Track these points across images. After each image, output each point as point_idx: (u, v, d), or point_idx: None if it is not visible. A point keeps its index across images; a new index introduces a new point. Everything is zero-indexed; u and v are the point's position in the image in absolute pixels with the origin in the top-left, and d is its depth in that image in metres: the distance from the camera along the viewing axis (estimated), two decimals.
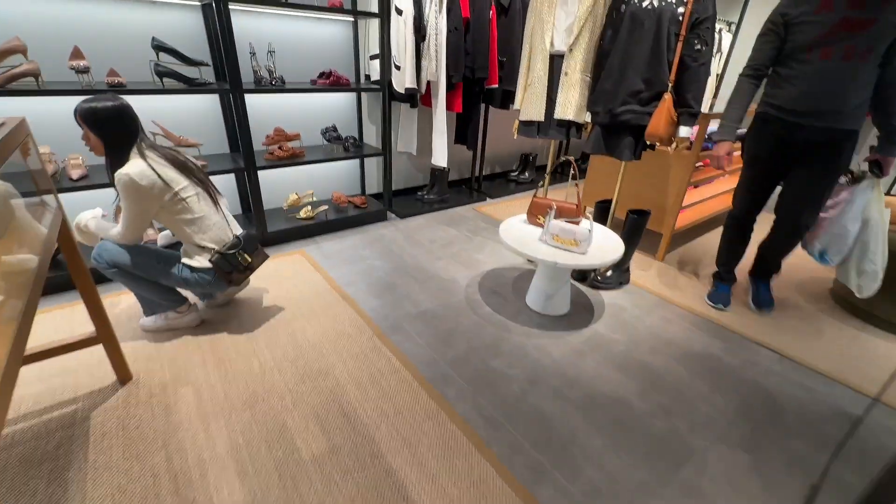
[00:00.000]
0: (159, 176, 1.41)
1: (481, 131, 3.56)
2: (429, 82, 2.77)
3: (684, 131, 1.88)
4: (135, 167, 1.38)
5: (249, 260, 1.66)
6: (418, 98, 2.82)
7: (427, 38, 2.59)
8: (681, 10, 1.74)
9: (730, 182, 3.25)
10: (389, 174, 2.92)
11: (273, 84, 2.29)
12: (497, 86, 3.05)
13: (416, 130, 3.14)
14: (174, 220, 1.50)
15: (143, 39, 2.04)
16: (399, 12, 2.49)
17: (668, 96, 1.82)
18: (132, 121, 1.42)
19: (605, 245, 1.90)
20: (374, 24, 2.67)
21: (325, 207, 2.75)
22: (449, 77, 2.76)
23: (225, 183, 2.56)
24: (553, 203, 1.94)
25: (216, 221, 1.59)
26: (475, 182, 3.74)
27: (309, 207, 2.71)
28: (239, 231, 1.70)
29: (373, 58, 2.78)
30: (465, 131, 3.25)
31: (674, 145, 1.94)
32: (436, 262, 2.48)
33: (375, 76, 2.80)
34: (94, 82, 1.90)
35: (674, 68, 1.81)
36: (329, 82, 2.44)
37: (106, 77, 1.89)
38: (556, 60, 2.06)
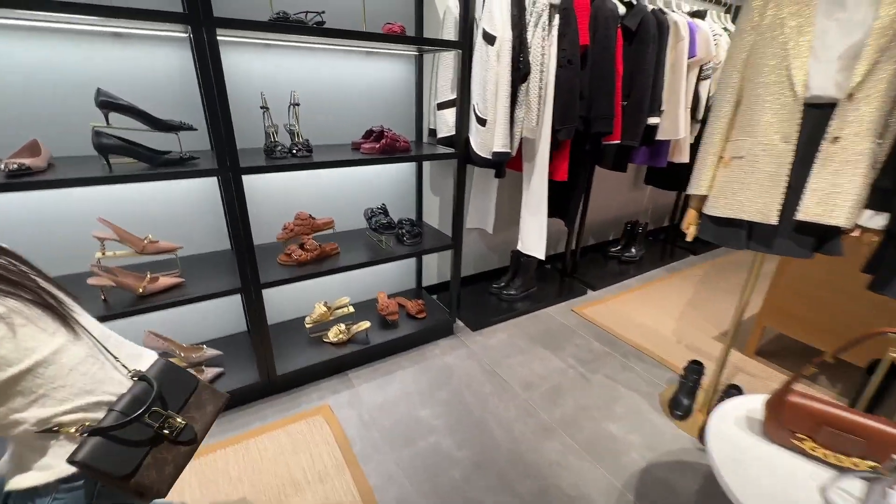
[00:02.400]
0: None
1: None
2: (521, 140, 1.86)
3: None
4: None
5: (179, 423, 0.75)
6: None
7: (528, 77, 1.70)
8: None
9: None
10: (459, 272, 1.99)
11: (295, 153, 1.46)
12: (618, 141, 2.09)
13: (496, 202, 2.22)
14: None
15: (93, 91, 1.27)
16: (489, 40, 1.62)
17: None
18: None
19: None
20: (447, 58, 1.83)
21: (367, 326, 1.84)
22: (555, 132, 1.84)
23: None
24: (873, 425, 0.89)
25: (80, 361, 0.69)
26: (569, 265, 2.74)
27: (342, 326, 1.81)
28: (147, 361, 0.81)
29: (442, 107, 1.91)
30: (565, 203, 2.29)
31: None
32: (543, 445, 1.47)
33: (445, 131, 1.93)
34: None
35: None
36: (380, 147, 1.58)
37: (7, 158, 1.11)
38: (810, 114, 1.06)
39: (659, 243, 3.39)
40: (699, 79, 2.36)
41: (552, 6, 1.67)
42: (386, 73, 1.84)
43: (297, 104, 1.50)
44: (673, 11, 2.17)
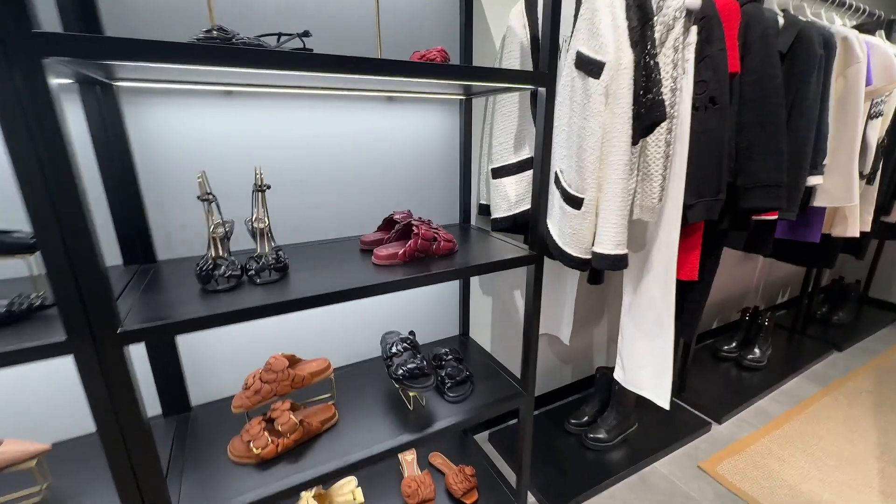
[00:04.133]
0: None
1: None
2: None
3: None
4: None
5: None
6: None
7: (652, 126, 1.01)
8: None
9: None
10: (529, 441, 1.22)
11: (253, 275, 0.80)
12: (775, 217, 1.35)
13: (575, 302, 1.49)
14: None
15: None
16: (591, 69, 0.94)
17: None
18: None
19: None
20: (507, 104, 1.19)
21: None
22: (686, 210, 1.13)
23: None
24: None
25: None
26: (675, 384, 1.92)
27: None
28: None
29: (500, 173, 1.26)
30: (680, 309, 1.53)
31: None
32: None
33: (504, 209, 1.26)
34: None
35: None
36: (407, 253, 0.91)
37: None
38: None
39: (779, 333, 2.52)
40: (868, 117, 1.62)
41: (688, 13, 1.01)
42: (417, 126, 1.21)
43: (265, 187, 0.87)
44: (832, 24, 1.48)
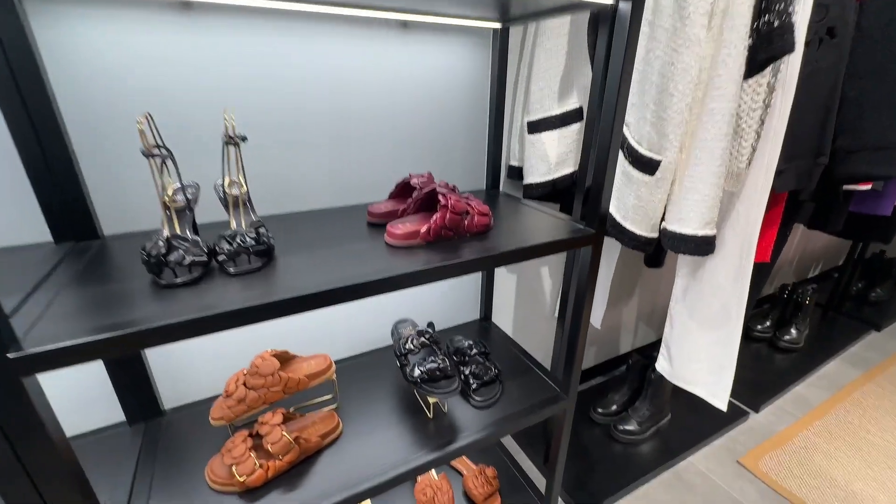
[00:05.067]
0: None
1: None
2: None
3: None
4: None
5: None
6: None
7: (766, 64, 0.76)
8: None
9: None
10: (564, 456, 1.05)
11: (226, 262, 0.58)
12: (869, 186, 1.12)
13: (610, 283, 1.29)
14: None
15: None
16: None
17: None
18: None
19: None
20: (554, 34, 0.92)
21: None
22: (779, 173, 0.90)
23: None
24: None
25: None
26: None
27: None
28: None
29: (538, 127, 1.01)
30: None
31: None
32: None
33: (542, 172, 1.03)
34: None
35: None
36: (433, 229, 0.69)
37: None
38: None
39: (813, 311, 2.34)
40: None
41: None
42: (438, 63, 0.95)
43: (239, 139, 0.63)
44: None
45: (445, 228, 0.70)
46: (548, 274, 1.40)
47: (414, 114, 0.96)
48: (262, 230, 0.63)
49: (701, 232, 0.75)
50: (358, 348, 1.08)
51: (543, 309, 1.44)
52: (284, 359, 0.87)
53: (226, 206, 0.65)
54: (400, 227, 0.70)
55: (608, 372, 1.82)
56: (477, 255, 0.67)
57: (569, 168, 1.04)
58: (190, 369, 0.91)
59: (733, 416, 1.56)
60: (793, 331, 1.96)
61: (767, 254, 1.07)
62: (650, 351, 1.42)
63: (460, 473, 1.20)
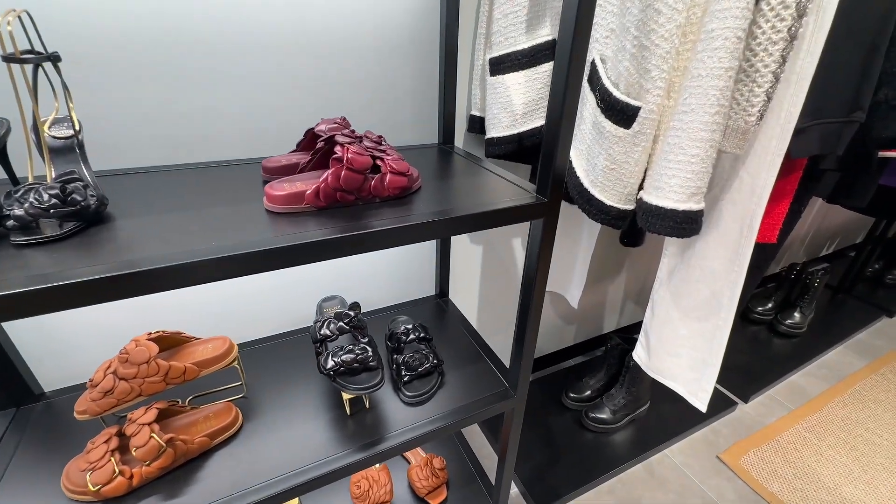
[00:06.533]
0: None
1: None
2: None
3: None
4: None
5: None
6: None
7: None
8: None
9: None
10: (512, 462, 0.92)
11: (15, 230, 0.43)
12: None
13: (591, 255, 1.13)
14: None
15: None
16: None
17: None
18: None
19: None
20: None
21: None
22: (799, 132, 0.70)
23: None
24: None
25: None
26: None
27: None
28: None
29: (500, 67, 0.81)
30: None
31: None
32: None
33: (506, 124, 0.84)
34: None
35: None
36: (321, 192, 0.52)
37: None
38: None
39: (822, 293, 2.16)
40: None
41: None
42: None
43: (41, 58, 0.45)
44: None
45: (341, 191, 0.53)
46: (520, 245, 1.23)
47: (347, 48, 0.76)
48: (79, 185, 0.47)
49: (683, 206, 0.57)
50: (285, 326, 0.94)
51: (513, 286, 1.28)
52: (175, 342, 0.73)
53: (42, 154, 0.49)
54: (280, 188, 0.53)
55: (590, 351, 1.69)
56: (381, 227, 0.50)
57: (539, 120, 0.84)
58: (76, 347, 0.78)
59: (719, 406, 1.44)
60: (796, 314, 1.79)
61: (774, 233, 0.89)
62: (635, 332, 1.27)
63: (407, 461, 1.10)
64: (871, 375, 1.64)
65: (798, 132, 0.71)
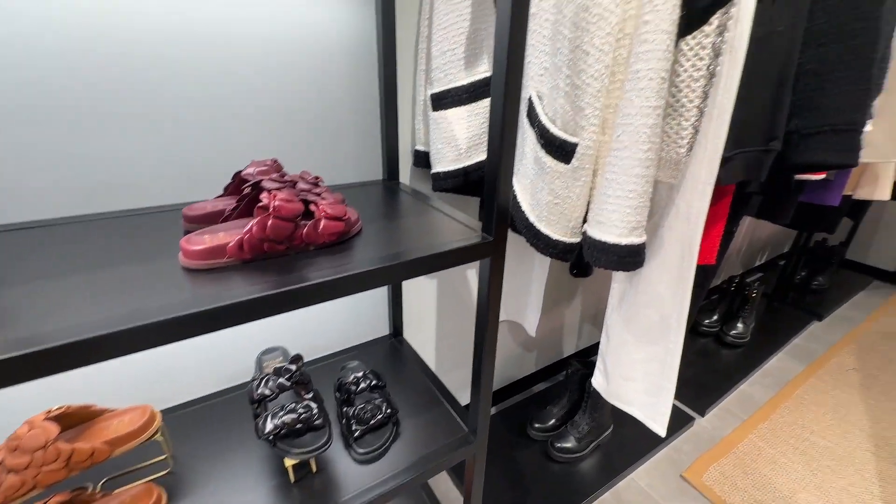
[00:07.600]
0: None
1: None
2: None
3: None
4: None
5: None
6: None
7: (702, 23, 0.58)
8: None
9: None
10: (478, 495, 0.88)
11: None
12: (823, 176, 0.99)
13: (546, 282, 1.13)
14: None
15: None
16: None
17: None
18: None
19: None
20: None
21: None
22: (725, 161, 0.73)
23: None
24: None
25: None
26: None
27: None
28: None
29: (443, 103, 0.80)
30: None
31: None
32: None
33: (451, 158, 0.83)
34: None
35: None
36: (245, 245, 0.47)
37: None
38: None
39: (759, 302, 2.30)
40: None
41: None
42: (310, 16, 0.71)
43: None
44: None
45: (269, 241, 0.49)
46: (475, 275, 1.22)
47: (281, 80, 0.73)
48: None
49: (625, 240, 0.58)
50: (221, 384, 0.85)
51: (470, 318, 1.25)
52: (84, 417, 0.63)
53: None
54: (199, 241, 0.47)
55: (552, 377, 1.68)
56: (312, 282, 0.46)
57: (483, 154, 0.84)
58: None
59: (678, 423, 1.46)
60: (739, 325, 1.89)
61: (713, 255, 0.93)
62: (594, 353, 1.28)
63: None
64: (810, 379, 1.74)
65: (725, 161, 0.75)
